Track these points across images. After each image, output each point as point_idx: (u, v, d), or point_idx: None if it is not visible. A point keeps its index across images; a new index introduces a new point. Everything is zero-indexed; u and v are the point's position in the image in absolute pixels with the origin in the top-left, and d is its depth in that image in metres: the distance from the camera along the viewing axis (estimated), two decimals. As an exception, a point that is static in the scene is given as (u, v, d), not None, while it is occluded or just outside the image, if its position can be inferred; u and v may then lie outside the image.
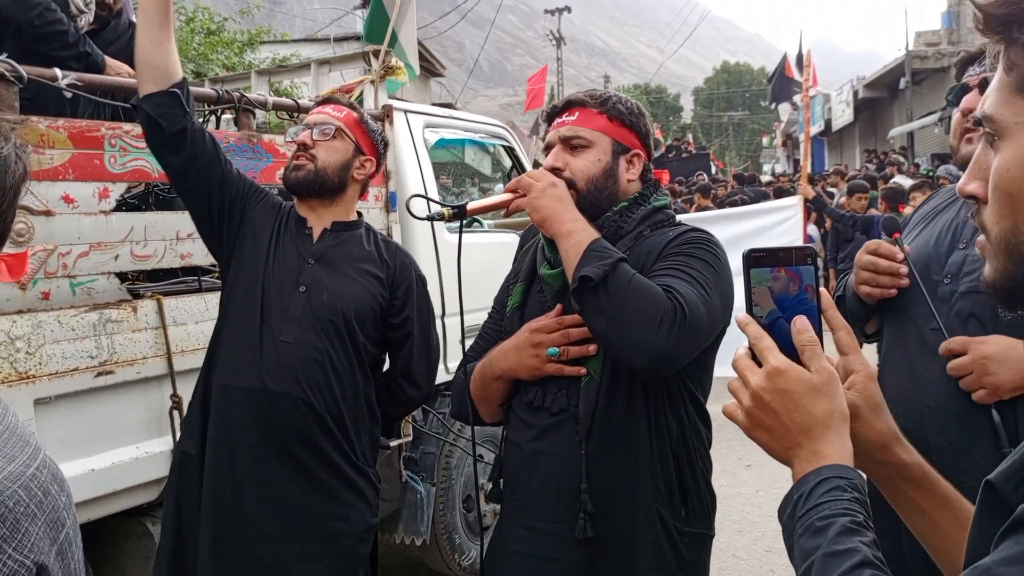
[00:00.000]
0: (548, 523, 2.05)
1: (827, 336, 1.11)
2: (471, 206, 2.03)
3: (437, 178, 5.41)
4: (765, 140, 48.33)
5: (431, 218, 2.02)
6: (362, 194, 2.82)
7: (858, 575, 0.88)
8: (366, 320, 2.59)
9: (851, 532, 0.93)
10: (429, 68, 27.17)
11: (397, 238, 3.99)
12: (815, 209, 9.68)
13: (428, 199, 2.08)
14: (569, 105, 2.16)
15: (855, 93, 31.45)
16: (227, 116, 3.82)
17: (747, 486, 6.04)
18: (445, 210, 2.00)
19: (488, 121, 5.17)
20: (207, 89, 3.47)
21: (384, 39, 4.15)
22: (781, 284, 1.09)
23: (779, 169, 37.23)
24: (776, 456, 1.06)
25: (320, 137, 2.64)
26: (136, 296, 2.95)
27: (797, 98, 27.69)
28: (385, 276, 2.66)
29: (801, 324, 1.06)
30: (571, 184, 2.06)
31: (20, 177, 1.01)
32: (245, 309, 2.53)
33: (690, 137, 39.53)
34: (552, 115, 2.19)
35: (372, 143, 2.75)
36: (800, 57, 23.57)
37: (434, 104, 17.93)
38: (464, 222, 2.10)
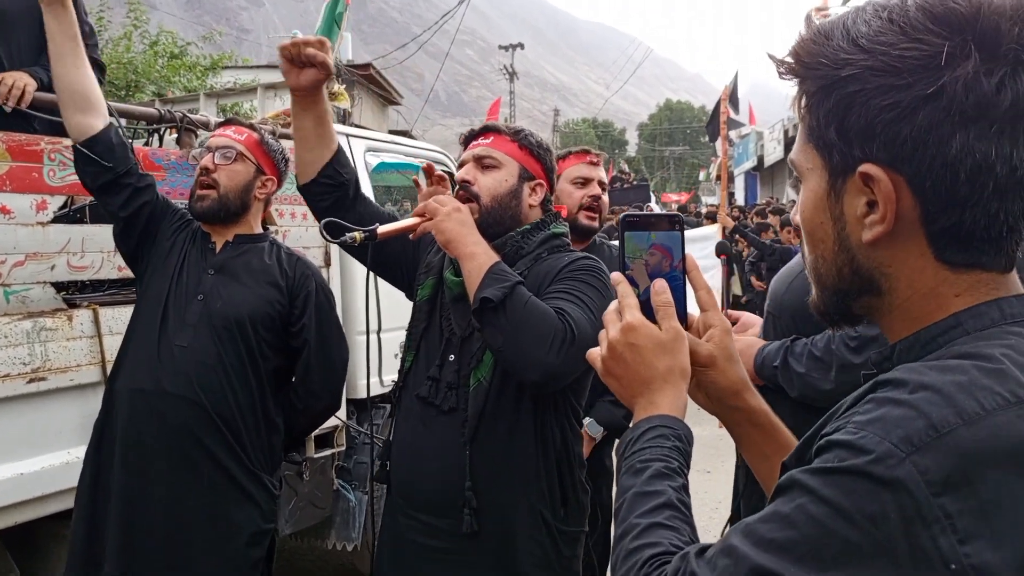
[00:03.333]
0: (430, 515, 2.10)
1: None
2: (381, 230, 2.05)
3: (383, 203, 5.39)
4: (702, 174, 49.04)
5: (342, 242, 2.02)
6: (265, 209, 2.82)
7: (658, 514, 0.95)
8: (261, 326, 2.57)
9: (663, 476, 0.99)
10: (387, 97, 27.14)
11: (335, 257, 3.97)
12: (738, 235, 9.84)
13: (342, 224, 2.07)
14: (485, 130, 2.25)
15: (785, 131, 32.04)
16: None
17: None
18: (357, 234, 2.01)
19: (429, 147, 5.19)
20: (150, 109, 3.42)
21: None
22: (656, 260, 1.13)
23: (715, 201, 37.76)
24: (624, 402, 1.13)
25: (222, 161, 2.61)
26: (72, 305, 2.90)
27: (733, 134, 28.17)
28: (285, 285, 2.64)
29: (659, 287, 1.11)
30: (476, 197, 2.13)
31: None
32: (148, 319, 2.53)
33: (624, 167, 39.89)
34: (469, 138, 2.26)
35: (273, 162, 2.72)
36: (735, 98, 23.99)
37: (391, 131, 17.91)
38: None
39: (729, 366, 1.15)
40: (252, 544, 2.56)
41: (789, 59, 0.89)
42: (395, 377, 3.11)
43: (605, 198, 3.11)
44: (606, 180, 3.16)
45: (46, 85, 3.06)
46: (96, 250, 2.92)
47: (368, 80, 24.20)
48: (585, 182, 3.09)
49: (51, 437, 2.79)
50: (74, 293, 3.02)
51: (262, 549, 2.61)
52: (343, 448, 4.05)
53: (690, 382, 1.11)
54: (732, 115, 23.68)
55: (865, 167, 0.83)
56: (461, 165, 2.24)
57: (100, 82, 3.34)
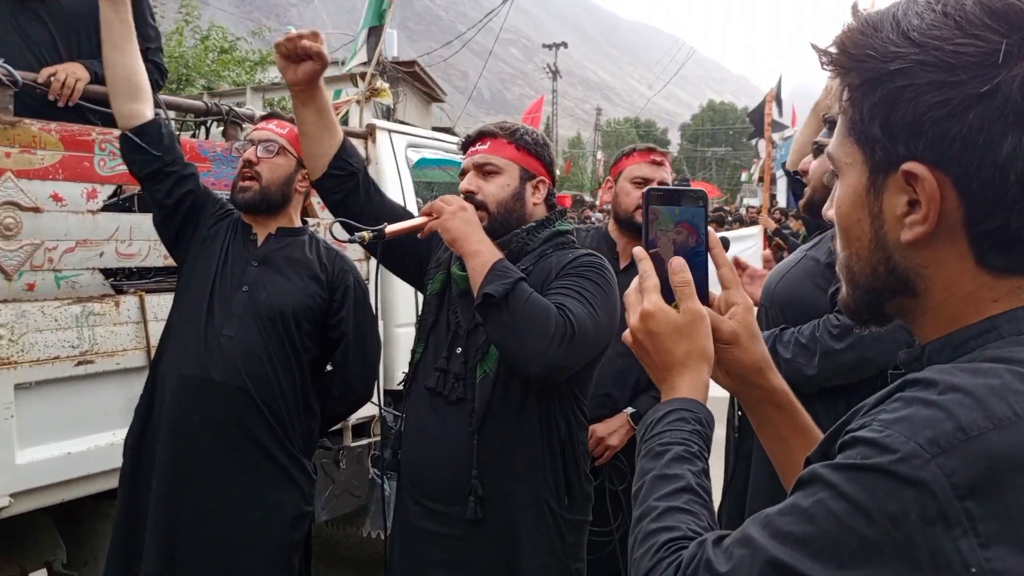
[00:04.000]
0: (437, 503, 2.15)
1: None
2: (389, 229, 2.10)
3: (424, 198, 5.42)
4: (744, 175, 48.50)
5: (353, 240, 2.08)
6: (307, 200, 2.86)
7: (677, 498, 0.94)
8: (302, 318, 2.60)
9: (682, 460, 0.98)
10: (431, 94, 27.26)
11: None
12: (777, 236, 9.73)
13: (351, 224, 2.14)
14: (481, 135, 2.27)
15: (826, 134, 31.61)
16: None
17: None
18: (366, 233, 2.07)
19: (470, 144, 5.20)
20: (198, 102, 3.48)
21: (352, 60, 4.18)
22: (682, 237, 1.12)
23: (755, 203, 37.34)
24: (655, 383, 1.12)
25: (264, 154, 2.64)
26: (119, 291, 2.96)
27: (776, 136, 27.79)
28: (324, 279, 2.67)
29: (676, 266, 1.09)
30: (483, 206, 2.17)
31: None
32: (194, 307, 2.57)
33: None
34: (467, 144, 2.29)
35: None
36: (778, 100, 23.71)
37: (434, 128, 17.92)
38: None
39: (752, 344, 1.13)
40: (294, 526, 2.60)
41: (834, 50, 0.86)
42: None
43: None
44: (668, 181, 3.09)
45: (100, 79, 3.12)
46: (143, 238, 2.97)
47: (413, 77, 24.34)
48: (645, 182, 3.05)
49: (97, 419, 2.85)
50: (121, 280, 3.07)
51: (302, 531, 2.65)
52: (379, 438, 4.08)
53: (718, 362, 1.09)
54: (776, 117, 23.46)
55: (909, 165, 0.80)
56: (462, 174, 2.27)
57: (159, 86, 3.38)
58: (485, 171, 2.22)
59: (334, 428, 3.58)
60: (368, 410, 3.71)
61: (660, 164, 3.11)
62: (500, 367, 2.11)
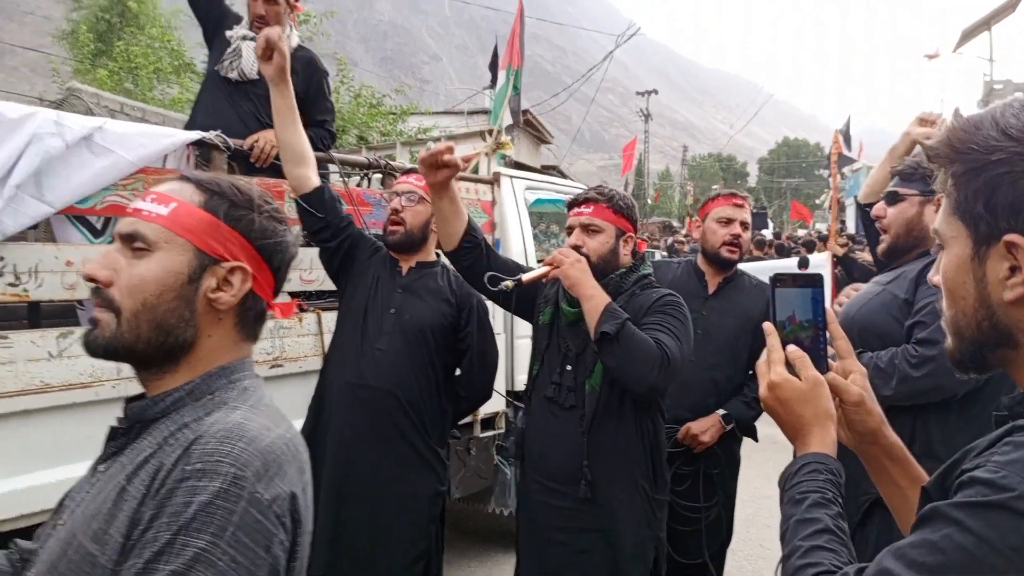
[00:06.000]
0: (557, 483, 2.36)
1: None
2: (525, 278, 2.31)
3: (537, 227, 5.57)
4: (817, 200, 46.69)
5: (501, 289, 2.28)
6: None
7: (818, 538, 0.97)
8: (438, 333, 2.77)
9: (819, 506, 1.01)
10: (540, 137, 27.46)
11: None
12: (844, 264, 9.37)
13: (498, 276, 2.34)
14: (586, 200, 2.46)
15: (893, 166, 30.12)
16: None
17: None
18: (509, 283, 2.27)
19: (574, 185, 5.31)
20: (362, 157, 3.71)
21: (497, 121, 4.34)
22: (801, 314, 1.16)
23: (825, 229, 35.84)
24: (789, 441, 1.15)
25: (408, 203, 2.82)
26: (302, 310, 3.18)
27: (846, 169, 26.77)
28: (454, 301, 2.82)
29: (790, 349, 1.13)
30: (588, 258, 2.35)
31: (293, 254, 1.20)
32: (352, 326, 2.76)
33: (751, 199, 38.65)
34: (573, 204, 2.48)
35: None
36: (848, 137, 22.88)
37: (543, 166, 17.97)
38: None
39: (874, 405, 1.15)
40: (432, 503, 2.75)
41: (939, 147, 0.91)
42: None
43: (747, 235, 3.10)
44: (749, 220, 3.10)
45: None
46: (320, 268, 3.16)
47: (525, 123, 24.59)
48: (728, 222, 3.11)
49: (285, 411, 3.02)
50: (303, 300, 3.30)
51: (438, 507, 2.80)
52: (502, 431, 4.21)
53: (839, 421, 1.12)
54: (844, 152, 22.61)
55: (1011, 237, 0.84)
56: (569, 229, 2.45)
57: (329, 147, 3.57)
58: (589, 230, 2.42)
59: (465, 421, 3.74)
60: (493, 407, 3.85)
61: (741, 206, 3.14)
62: (604, 382, 2.31)
